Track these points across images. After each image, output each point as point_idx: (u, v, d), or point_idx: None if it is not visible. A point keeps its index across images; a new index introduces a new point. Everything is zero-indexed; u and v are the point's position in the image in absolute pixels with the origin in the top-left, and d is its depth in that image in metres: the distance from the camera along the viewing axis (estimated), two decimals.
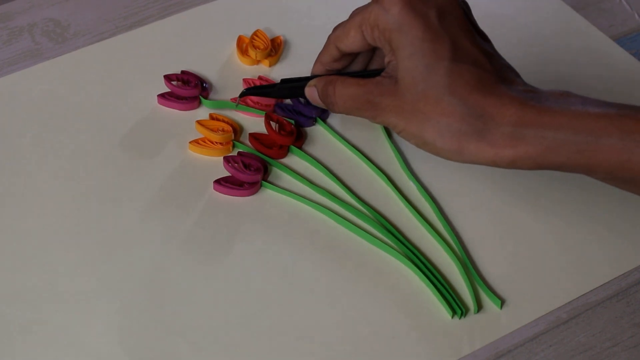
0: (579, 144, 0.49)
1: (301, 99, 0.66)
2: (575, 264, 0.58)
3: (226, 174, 0.62)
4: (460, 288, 0.56)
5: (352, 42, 0.56)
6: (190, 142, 0.63)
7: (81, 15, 0.74)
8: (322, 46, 0.59)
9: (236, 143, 0.64)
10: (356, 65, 0.60)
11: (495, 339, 0.54)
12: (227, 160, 0.61)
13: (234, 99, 0.66)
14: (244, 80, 0.67)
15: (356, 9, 0.56)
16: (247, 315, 0.55)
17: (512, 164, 0.51)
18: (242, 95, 0.62)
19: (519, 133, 0.50)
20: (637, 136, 0.48)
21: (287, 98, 0.64)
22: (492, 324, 0.55)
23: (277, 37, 0.71)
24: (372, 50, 0.59)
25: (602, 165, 0.49)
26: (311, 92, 0.58)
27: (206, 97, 0.66)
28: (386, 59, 0.55)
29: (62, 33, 0.73)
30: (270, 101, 0.66)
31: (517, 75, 0.54)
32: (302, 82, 0.59)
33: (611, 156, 0.49)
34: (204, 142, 0.63)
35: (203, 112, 0.66)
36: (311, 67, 0.60)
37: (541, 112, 0.50)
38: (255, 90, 0.62)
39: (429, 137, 0.52)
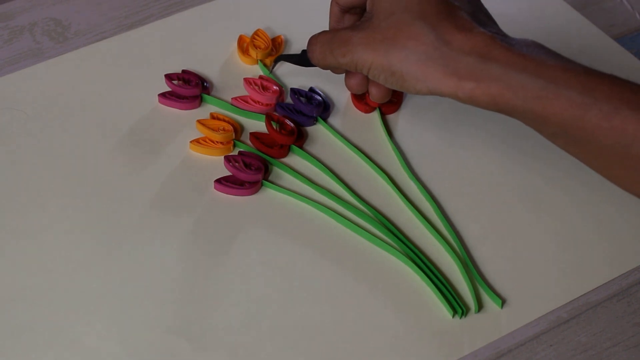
0: (539, 90, 0.49)
1: (301, 98, 0.66)
2: (576, 264, 0.58)
3: (227, 173, 0.62)
4: (460, 287, 0.56)
5: None
6: (191, 142, 0.63)
7: (82, 15, 0.74)
8: None
9: (237, 142, 0.64)
10: None
11: (496, 339, 0.54)
12: (228, 159, 0.61)
13: (234, 99, 0.66)
14: (245, 79, 0.67)
15: None
16: (247, 314, 0.55)
17: (470, 98, 0.51)
18: (277, 61, 0.67)
19: (483, 67, 0.50)
20: (598, 94, 0.48)
21: (310, 66, 0.64)
22: (493, 324, 0.55)
23: (278, 37, 0.71)
24: None
25: (556, 117, 0.49)
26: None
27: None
28: (367, 4, 0.56)
29: (62, 32, 0.73)
30: (271, 101, 0.66)
31: (493, 21, 0.55)
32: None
33: (567, 108, 0.49)
34: (205, 141, 0.63)
35: (204, 112, 0.66)
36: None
37: (508, 51, 0.50)
38: (285, 57, 0.66)
39: (395, 64, 0.53)
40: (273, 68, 0.68)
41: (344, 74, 0.62)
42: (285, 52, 0.71)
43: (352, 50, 0.55)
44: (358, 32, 0.55)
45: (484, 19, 0.54)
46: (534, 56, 0.50)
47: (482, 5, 0.55)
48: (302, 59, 0.63)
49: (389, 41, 0.53)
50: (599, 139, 0.49)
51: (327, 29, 0.61)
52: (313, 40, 0.59)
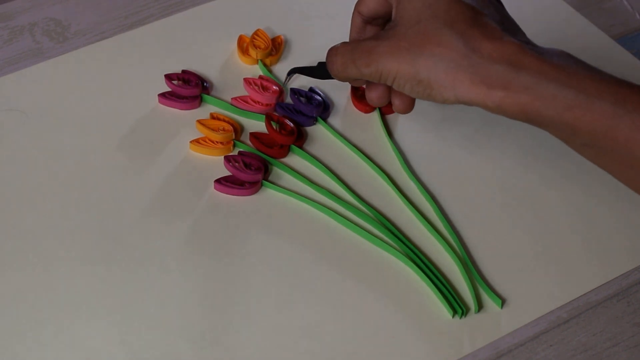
0: (570, 100, 0.48)
1: (301, 99, 0.66)
2: (576, 264, 0.58)
3: (227, 173, 0.62)
4: (460, 287, 0.56)
5: (369, 2, 0.57)
6: (191, 142, 0.63)
7: (82, 15, 0.74)
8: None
9: (237, 142, 0.64)
10: None
11: (496, 339, 0.54)
12: (228, 159, 0.61)
13: (234, 99, 0.66)
14: (245, 79, 0.67)
15: None
16: (247, 314, 0.55)
17: (499, 107, 0.50)
18: (290, 73, 0.64)
19: (514, 75, 0.49)
20: (629, 105, 0.47)
21: (326, 78, 0.63)
22: (493, 324, 0.55)
23: (278, 37, 0.71)
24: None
25: (587, 128, 0.48)
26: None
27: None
28: (392, 13, 0.55)
29: (62, 32, 0.73)
30: (271, 101, 0.66)
31: (521, 32, 0.53)
32: None
33: (599, 119, 0.48)
34: (205, 141, 0.63)
35: (204, 112, 0.66)
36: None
37: (538, 60, 0.49)
38: (300, 70, 0.64)
39: (422, 72, 0.52)
40: (287, 81, 0.66)
41: (362, 86, 0.60)
42: (285, 52, 0.70)
43: (376, 59, 0.53)
44: (382, 40, 0.53)
45: (512, 29, 0.53)
46: (565, 66, 0.49)
47: (509, 16, 0.54)
48: (318, 71, 0.61)
49: (415, 49, 0.52)
50: (630, 150, 0.48)
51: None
52: (333, 51, 0.57)
